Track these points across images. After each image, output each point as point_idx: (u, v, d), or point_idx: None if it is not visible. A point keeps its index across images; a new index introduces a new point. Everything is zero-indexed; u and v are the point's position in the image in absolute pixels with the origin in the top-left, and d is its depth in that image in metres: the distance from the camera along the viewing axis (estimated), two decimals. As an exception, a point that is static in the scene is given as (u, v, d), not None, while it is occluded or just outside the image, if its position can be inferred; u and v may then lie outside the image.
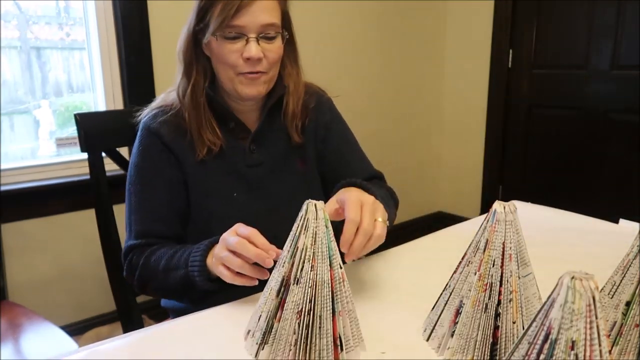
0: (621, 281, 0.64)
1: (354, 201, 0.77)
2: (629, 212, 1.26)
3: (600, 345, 0.45)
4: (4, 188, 1.77)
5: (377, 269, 0.96)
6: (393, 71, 2.91)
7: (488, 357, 0.63)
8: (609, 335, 0.63)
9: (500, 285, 0.62)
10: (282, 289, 0.64)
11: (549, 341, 0.46)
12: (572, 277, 0.45)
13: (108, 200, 1.12)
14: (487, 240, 0.64)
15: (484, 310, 0.63)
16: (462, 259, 0.68)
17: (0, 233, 1.73)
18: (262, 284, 0.71)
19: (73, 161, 1.94)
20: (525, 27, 2.78)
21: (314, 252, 0.62)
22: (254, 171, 1.03)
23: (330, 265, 0.63)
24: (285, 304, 0.63)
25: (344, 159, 1.11)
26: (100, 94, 1.99)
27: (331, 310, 0.62)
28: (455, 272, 0.69)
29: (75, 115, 1.09)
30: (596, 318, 0.45)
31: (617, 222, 1.18)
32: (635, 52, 2.41)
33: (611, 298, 0.65)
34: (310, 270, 0.62)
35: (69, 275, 1.95)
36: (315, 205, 0.63)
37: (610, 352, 0.46)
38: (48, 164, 1.90)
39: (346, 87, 2.68)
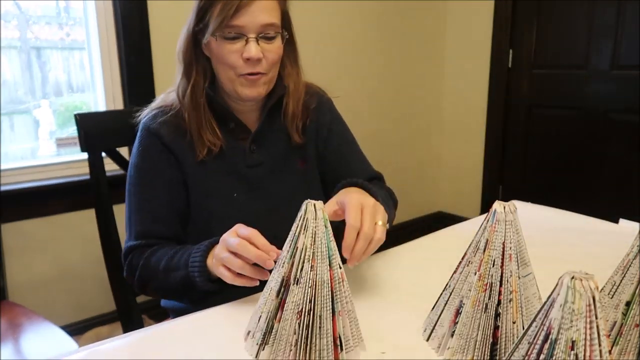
0: (621, 281, 0.64)
1: (355, 205, 0.77)
2: (629, 212, 1.26)
3: (600, 345, 0.45)
4: (4, 188, 1.77)
5: (377, 269, 0.96)
6: (393, 71, 2.91)
7: (488, 357, 0.63)
8: (609, 335, 0.63)
9: (500, 285, 0.62)
10: (282, 289, 0.64)
11: (549, 341, 0.46)
12: (572, 277, 0.45)
13: (108, 200, 1.12)
14: (487, 240, 0.64)
15: (484, 310, 0.63)
16: (462, 259, 0.68)
17: (0, 233, 1.73)
18: (262, 284, 0.71)
19: (73, 161, 1.94)
20: (525, 27, 2.78)
21: (313, 252, 0.62)
22: (254, 171, 1.03)
23: (329, 265, 0.63)
24: (285, 304, 0.63)
25: (344, 160, 1.11)
26: (100, 94, 1.99)
27: (331, 310, 0.62)
28: (455, 272, 0.69)
29: (75, 115, 1.09)
30: (596, 318, 0.45)
31: (617, 222, 1.18)
32: (635, 52, 2.41)
33: (611, 298, 0.65)
34: (310, 270, 0.62)
35: (69, 275, 1.95)
36: (314, 205, 0.63)
37: (610, 352, 0.46)
38: (48, 164, 1.90)
39: (346, 87, 2.68)
